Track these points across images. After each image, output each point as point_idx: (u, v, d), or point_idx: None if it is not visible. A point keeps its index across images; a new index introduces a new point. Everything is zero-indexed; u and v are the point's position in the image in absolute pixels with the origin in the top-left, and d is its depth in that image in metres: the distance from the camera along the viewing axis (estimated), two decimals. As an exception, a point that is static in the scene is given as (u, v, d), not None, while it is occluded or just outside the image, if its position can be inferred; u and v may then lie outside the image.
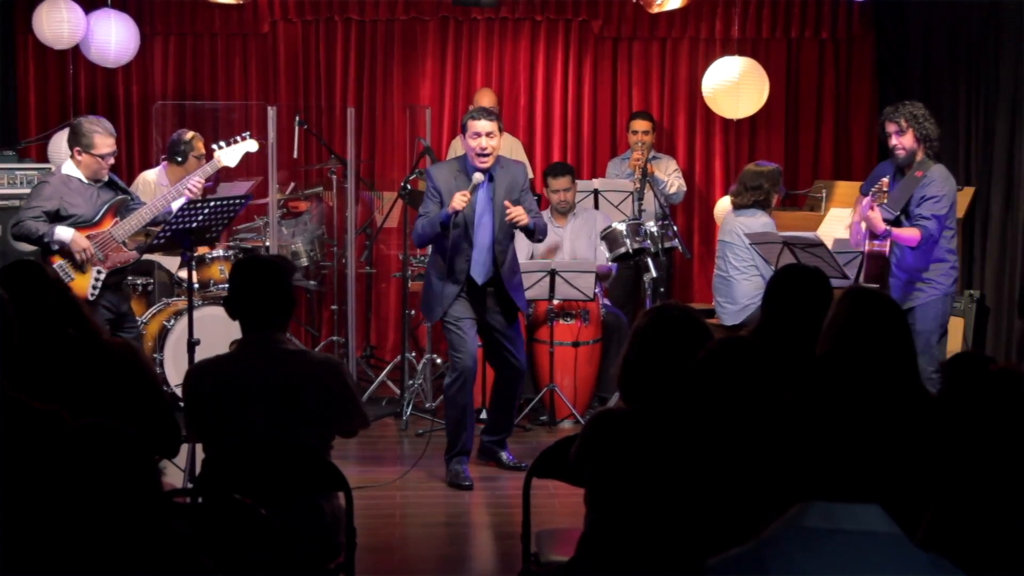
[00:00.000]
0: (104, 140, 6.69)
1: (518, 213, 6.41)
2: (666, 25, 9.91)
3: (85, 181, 6.70)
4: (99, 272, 6.60)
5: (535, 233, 6.66)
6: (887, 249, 6.62)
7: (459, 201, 6.32)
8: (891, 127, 6.70)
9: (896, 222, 6.64)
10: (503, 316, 6.69)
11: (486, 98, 9.34)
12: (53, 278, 4.22)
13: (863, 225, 6.73)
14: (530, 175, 9.39)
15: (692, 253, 9.73)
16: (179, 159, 8.07)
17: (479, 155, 6.43)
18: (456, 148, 9.34)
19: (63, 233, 6.54)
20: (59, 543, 2.51)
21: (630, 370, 3.54)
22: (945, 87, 9.06)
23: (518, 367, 6.81)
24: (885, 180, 6.51)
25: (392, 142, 9.97)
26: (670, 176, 9.15)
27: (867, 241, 6.64)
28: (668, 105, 10.10)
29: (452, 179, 6.50)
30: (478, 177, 6.42)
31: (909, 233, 6.58)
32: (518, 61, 10.00)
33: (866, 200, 6.56)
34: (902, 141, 6.67)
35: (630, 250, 7.61)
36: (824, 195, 8.97)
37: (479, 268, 6.56)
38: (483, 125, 6.44)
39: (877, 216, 6.50)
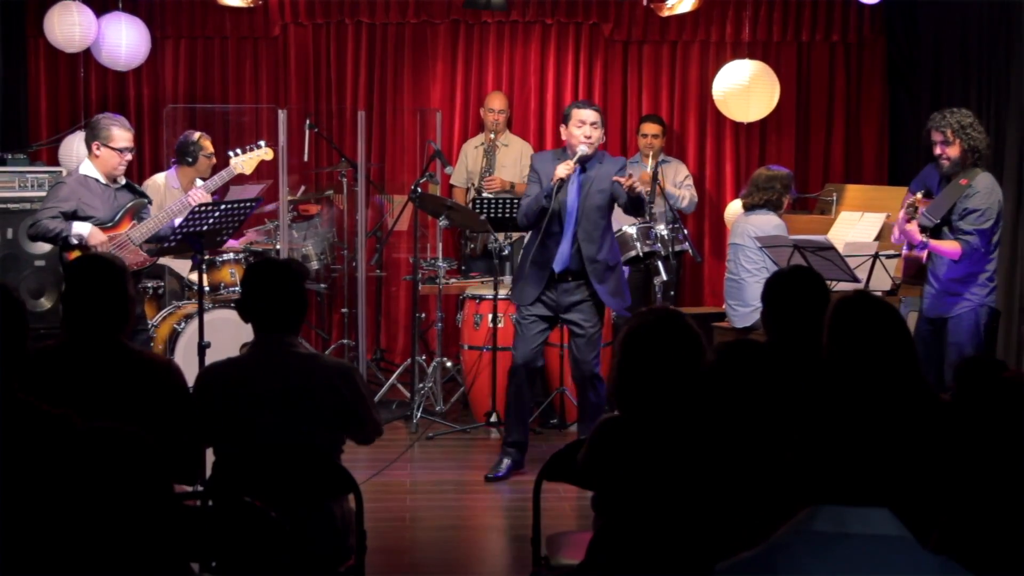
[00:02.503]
0: (122, 134, 6.73)
1: (629, 181, 6.46)
2: (676, 28, 9.90)
3: (103, 182, 6.72)
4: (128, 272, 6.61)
5: (643, 205, 6.71)
6: (923, 257, 6.52)
7: (563, 169, 6.51)
8: (937, 136, 6.48)
9: (937, 230, 6.47)
10: (581, 313, 6.72)
11: (497, 101, 9.35)
12: (122, 282, 4.12)
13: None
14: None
15: (702, 256, 9.71)
16: (189, 160, 8.09)
17: (584, 143, 6.61)
18: (467, 152, 9.36)
19: (81, 228, 6.57)
20: (65, 545, 2.52)
21: (621, 379, 3.53)
22: (956, 90, 9.04)
23: (580, 368, 6.78)
24: (919, 196, 6.38)
25: (402, 145, 9.97)
26: (680, 187, 9.16)
27: (906, 248, 6.56)
28: (678, 109, 10.09)
29: (551, 163, 6.68)
30: (583, 149, 6.58)
31: (949, 247, 6.39)
32: (528, 64, 10.00)
33: (900, 215, 6.47)
34: (948, 151, 6.46)
35: (640, 253, 7.61)
36: (835, 198, 8.95)
37: (561, 258, 6.67)
38: (588, 114, 6.67)
39: (914, 228, 6.35)
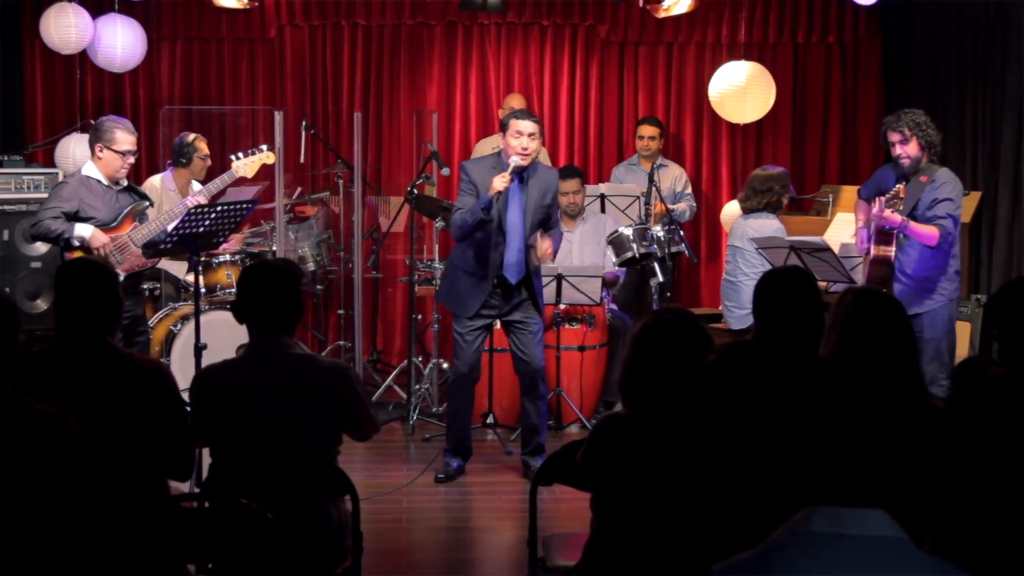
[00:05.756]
0: (125, 136, 6.75)
1: (545, 251, 6.58)
2: (673, 30, 9.91)
3: (104, 183, 6.73)
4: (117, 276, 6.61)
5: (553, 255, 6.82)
6: (892, 254, 6.57)
7: (500, 182, 6.41)
8: (894, 136, 6.64)
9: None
10: (524, 311, 6.75)
11: (516, 102, 9.35)
12: (111, 284, 4.14)
13: (868, 227, 6.70)
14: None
15: (699, 258, 9.72)
16: (184, 161, 8.09)
17: (520, 154, 6.53)
18: (481, 151, 9.32)
19: (83, 230, 6.57)
20: (62, 547, 2.52)
21: (630, 374, 3.55)
22: (952, 91, 9.06)
23: (529, 364, 6.77)
24: (901, 187, 6.44)
25: (399, 147, 9.97)
26: (680, 199, 9.19)
27: (873, 246, 6.60)
28: (675, 110, 10.10)
29: (488, 174, 6.58)
30: (516, 160, 6.51)
31: (928, 231, 6.49)
32: (525, 66, 10.00)
33: (876, 208, 6.50)
34: (906, 150, 6.61)
35: (636, 255, 7.60)
36: (831, 199, 8.97)
37: (513, 268, 6.65)
38: (526, 125, 6.56)
39: (892, 214, 6.39)
